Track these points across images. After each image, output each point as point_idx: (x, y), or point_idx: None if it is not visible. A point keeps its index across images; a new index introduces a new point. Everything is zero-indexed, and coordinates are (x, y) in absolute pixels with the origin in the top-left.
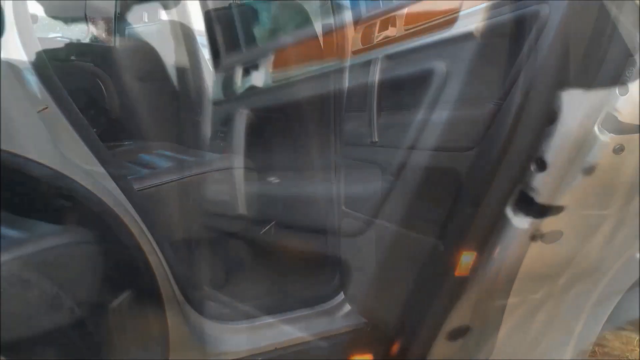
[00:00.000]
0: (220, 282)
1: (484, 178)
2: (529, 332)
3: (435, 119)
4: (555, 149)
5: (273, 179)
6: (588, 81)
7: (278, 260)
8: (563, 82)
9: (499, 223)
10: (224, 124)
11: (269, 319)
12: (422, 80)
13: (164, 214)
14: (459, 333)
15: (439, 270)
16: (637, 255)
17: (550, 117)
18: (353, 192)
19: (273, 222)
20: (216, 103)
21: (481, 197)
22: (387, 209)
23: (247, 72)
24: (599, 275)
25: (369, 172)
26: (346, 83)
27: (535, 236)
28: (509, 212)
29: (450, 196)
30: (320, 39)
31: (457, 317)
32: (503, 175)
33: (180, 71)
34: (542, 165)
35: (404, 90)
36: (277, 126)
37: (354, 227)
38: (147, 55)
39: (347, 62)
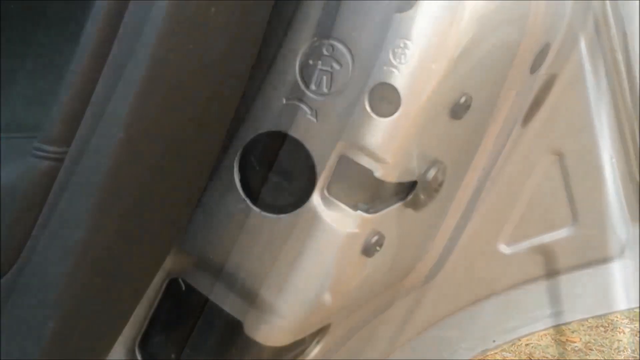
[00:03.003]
0: None
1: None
2: None
3: None
4: (417, 58)
5: None
6: None
7: None
8: None
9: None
10: None
11: None
12: None
13: None
14: None
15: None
16: (501, 248)
17: None
18: None
19: None
20: None
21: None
22: None
23: None
24: (428, 291)
25: None
26: None
27: (369, 247)
28: (317, 201)
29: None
30: None
31: None
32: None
33: None
34: (385, 102)
35: None
36: None
37: None
38: None
39: None
